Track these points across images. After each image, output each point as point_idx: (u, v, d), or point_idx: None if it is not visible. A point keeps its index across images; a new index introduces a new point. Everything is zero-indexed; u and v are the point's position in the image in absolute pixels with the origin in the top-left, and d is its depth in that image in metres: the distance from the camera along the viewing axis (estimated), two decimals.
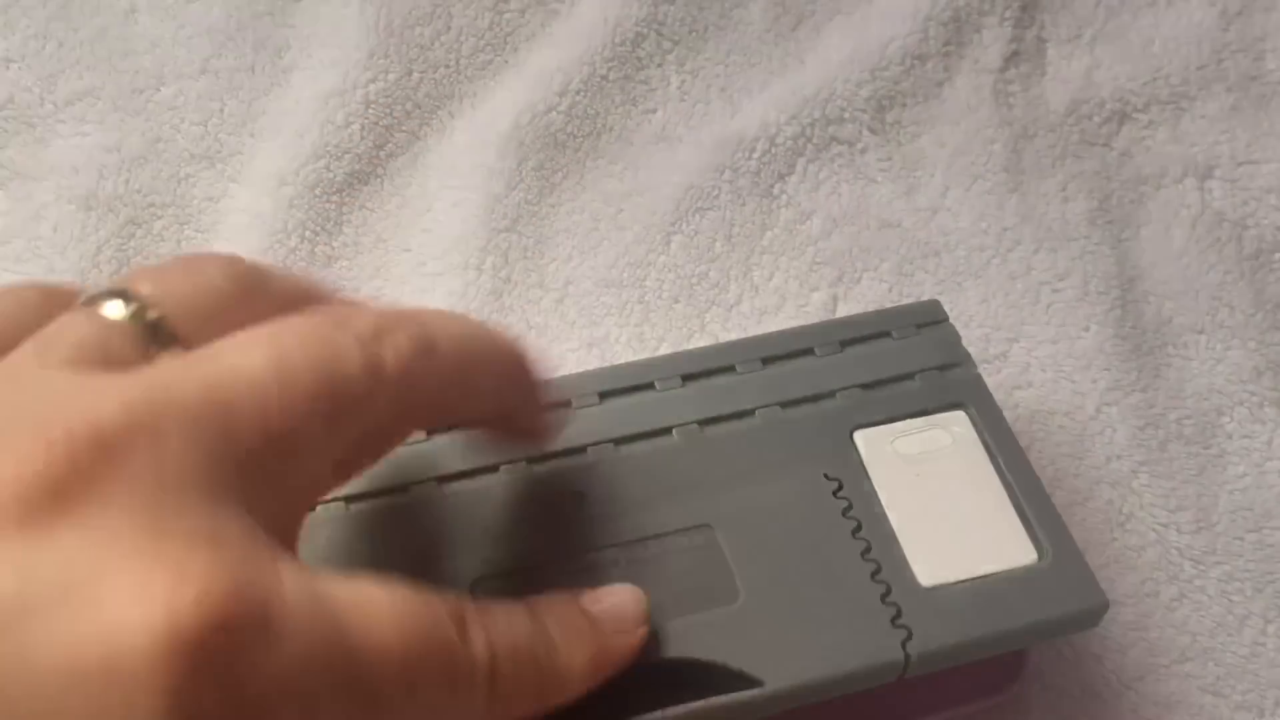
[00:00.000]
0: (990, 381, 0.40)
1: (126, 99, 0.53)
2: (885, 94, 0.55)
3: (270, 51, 0.55)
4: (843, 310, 0.50)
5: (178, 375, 0.22)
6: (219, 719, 0.20)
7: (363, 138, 0.53)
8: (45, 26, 0.55)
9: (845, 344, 0.40)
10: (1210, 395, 0.48)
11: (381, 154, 0.53)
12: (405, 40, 0.55)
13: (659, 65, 0.56)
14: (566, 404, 0.38)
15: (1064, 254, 0.51)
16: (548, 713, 0.29)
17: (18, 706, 0.19)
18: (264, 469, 0.23)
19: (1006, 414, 0.39)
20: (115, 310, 0.24)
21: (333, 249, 0.51)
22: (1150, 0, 0.57)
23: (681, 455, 0.37)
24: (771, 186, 0.52)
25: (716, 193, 0.52)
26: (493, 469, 0.36)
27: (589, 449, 0.37)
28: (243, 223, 0.51)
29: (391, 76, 0.54)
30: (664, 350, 0.48)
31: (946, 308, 0.42)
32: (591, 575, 0.34)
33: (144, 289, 0.25)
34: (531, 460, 0.37)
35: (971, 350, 0.40)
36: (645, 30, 0.56)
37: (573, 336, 0.49)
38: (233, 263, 0.27)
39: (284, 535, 0.24)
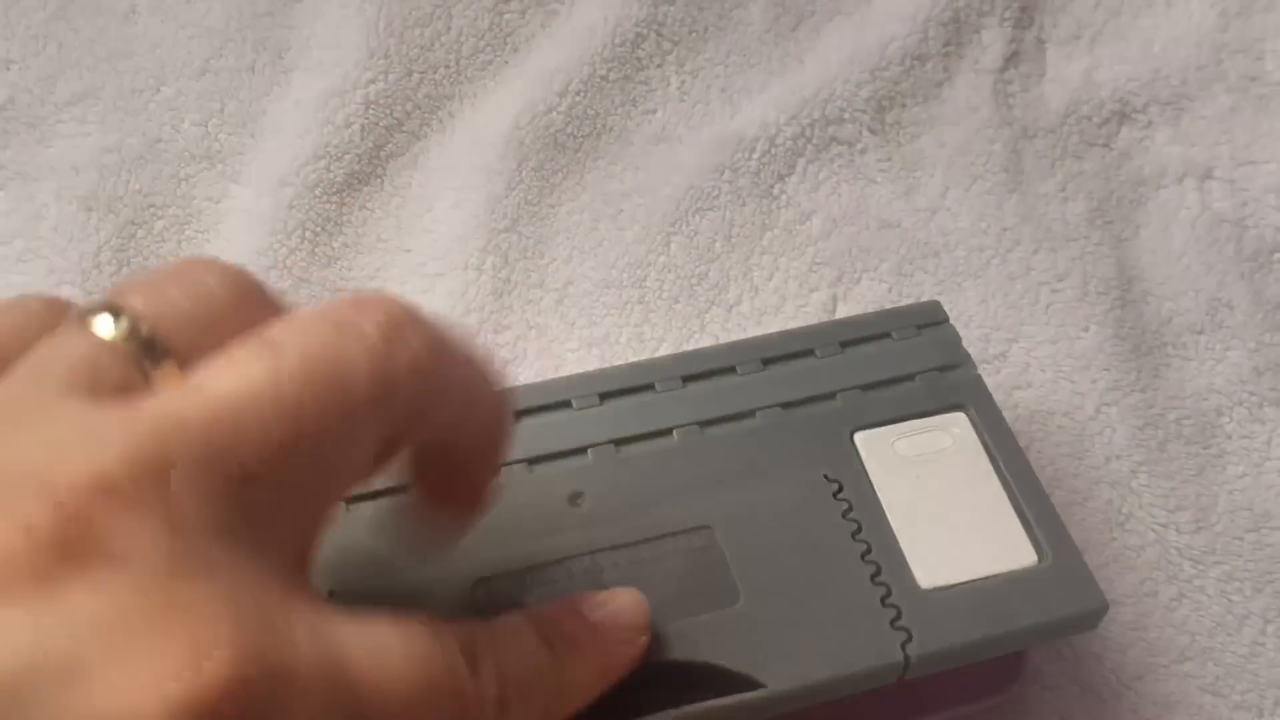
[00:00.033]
0: (990, 382, 0.40)
1: (127, 99, 0.54)
2: (885, 94, 0.55)
3: (270, 52, 0.55)
4: (842, 310, 0.50)
5: (177, 408, 0.21)
6: None
7: (363, 138, 0.53)
8: (45, 27, 0.55)
9: (845, 345, 0.40)
10: (1209, 395, 0.48)
11: (382, 154, 0.53)
12: (405, 41, 0.55)
13: (659, 66, 0.56)
14: (567, 404, 0.38)
15: (1063, 254, 0.51)
16: None
17: None
18: (275, 493, 0.22)
19: (1006, 414, 0.39)
20: (107, 327, 0.23)
21: (333, 249, 0.51)
22: (1150, 1, 0.57)
23: (682, 456, 0.37)
24: (771, 187, 0.53)
25: (716, 193, 0.52)
26: None
27: (589, 450, 0.37)
28: (243, 223, 0.51)
29: (392, 77, 0.54)
30: (664, 350, 0.48)
31: (946, 308, 0.42)
32: (592, 577, 0.34)
33: (135, 302, 0.24)
34: (532, 461, 0.37)
35: (971, 350, 0.41)
36: (645, 31, 0.56)
37: (573, 337, 0.49)
38: (225, 269, 0.26)
39: (299, 553, 0.23)
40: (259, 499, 0.22)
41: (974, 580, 0.34)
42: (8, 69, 0.54)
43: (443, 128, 0.54)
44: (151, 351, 0.23)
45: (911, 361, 0.40)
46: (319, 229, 0.51)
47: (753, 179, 0.52)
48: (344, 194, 0.52)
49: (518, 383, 0.46)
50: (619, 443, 0.37)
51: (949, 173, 0.53)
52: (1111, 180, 0.53)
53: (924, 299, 0.44)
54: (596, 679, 0.30)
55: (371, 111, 0.53)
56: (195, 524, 0.20)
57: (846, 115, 0.54)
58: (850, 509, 0.36)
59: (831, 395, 0.39)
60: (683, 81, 0.56)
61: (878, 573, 0.34)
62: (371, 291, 0.24)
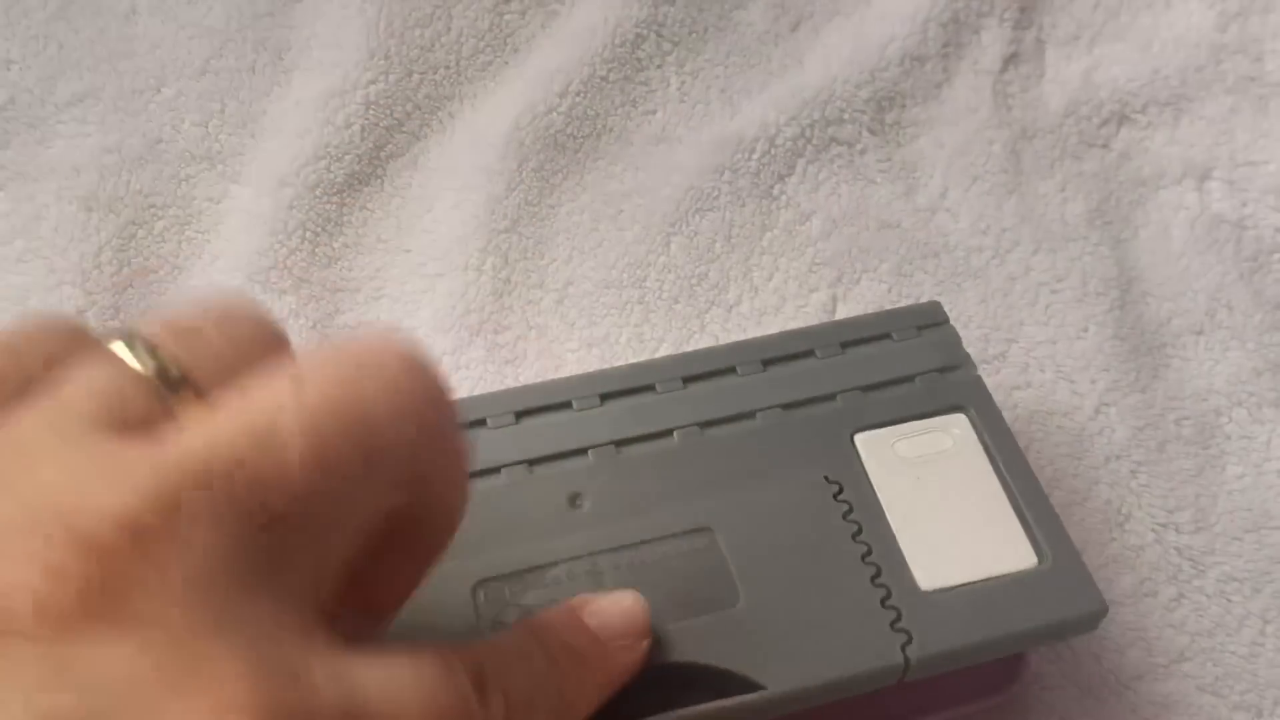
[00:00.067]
0: (989, 382, 0.40)
1: (127, 100, 0.54)
2: (884, 95, 0.55)
3: (271, 52, 0.55)
4: (842, 311, 0.50)
5: (203, 446, 0.21)
6: None
7: (363, 138, 0.53)
8: (46, 28, 0.55)
9: (846, 346, 0.40)
10: (1209, 396, 0.48)
11: (382, 155, 0.53)
12: (406, 41, 0.55)
13: (659, 66, 0.56)
14: (567, 405, 0.38)
15: (1063, 255, 0.51)
16: None
17: None
18: (295, 535, 0.22)
19: (1005, 414, 0.39)
20: (132, 358, 0.23)
21: (333, 250, 0.51)
22: (1149, 2, 0.57)
23: (682, 457, 0.37)
24: (771, 187, 0.53)
25: (716, 193, 0.52)
26: (494, 471, 0.36)
27: (590, 451, 0.37)
28: (243, 223, 0.51)
29: (392, 77, 0.54)
30: (664, 350, 0.48)
31: (946, 308, 0.42)
32: (592, 578, 0.34)
33: (160, 335, 0.24)
34: (532, 462, 0.37)
35: (970, 351, 0.41)
36: (645, 31, 0.56)
37: (573, 337, 0.49)
38: (248, 308, 0.25)
39: (315, 594, 0.23)
40: (279, 541, 0.21)
41: (974, 582, 0.34)
42: (8, 69, 0.54)
43: (443, 128, 0.54)
44: (176, 385, 0.23)
45: (912, 362, 0.40)
46: (319, 229, 0.51)
47: (752, 179, 0.53)
48: (344, 194, 0.52)
49: (518, 383, 0.47)
50: (619, 444, 0.37)
51: (948, 173, 0.53)
52: (1111, 181, 0.53)
53: (923, 299, 0.44)
54: (600, 688, 0.30)
55: (372, 112, 0.53)
56: (218, 569, 0.20)
57: (846, 116, 0.54)
58: (850, 510, 0.36)
59: (832, 396, 0.39)
60: (683, 82, 0.56)
61: (878, 574, 0.34)
62: (384, 335, 0.24)
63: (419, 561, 0.26)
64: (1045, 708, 0.41)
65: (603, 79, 0.55)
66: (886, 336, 0.40)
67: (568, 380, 0.39)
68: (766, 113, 0.54)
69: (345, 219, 0.51)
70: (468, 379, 0.47)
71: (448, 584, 0.34)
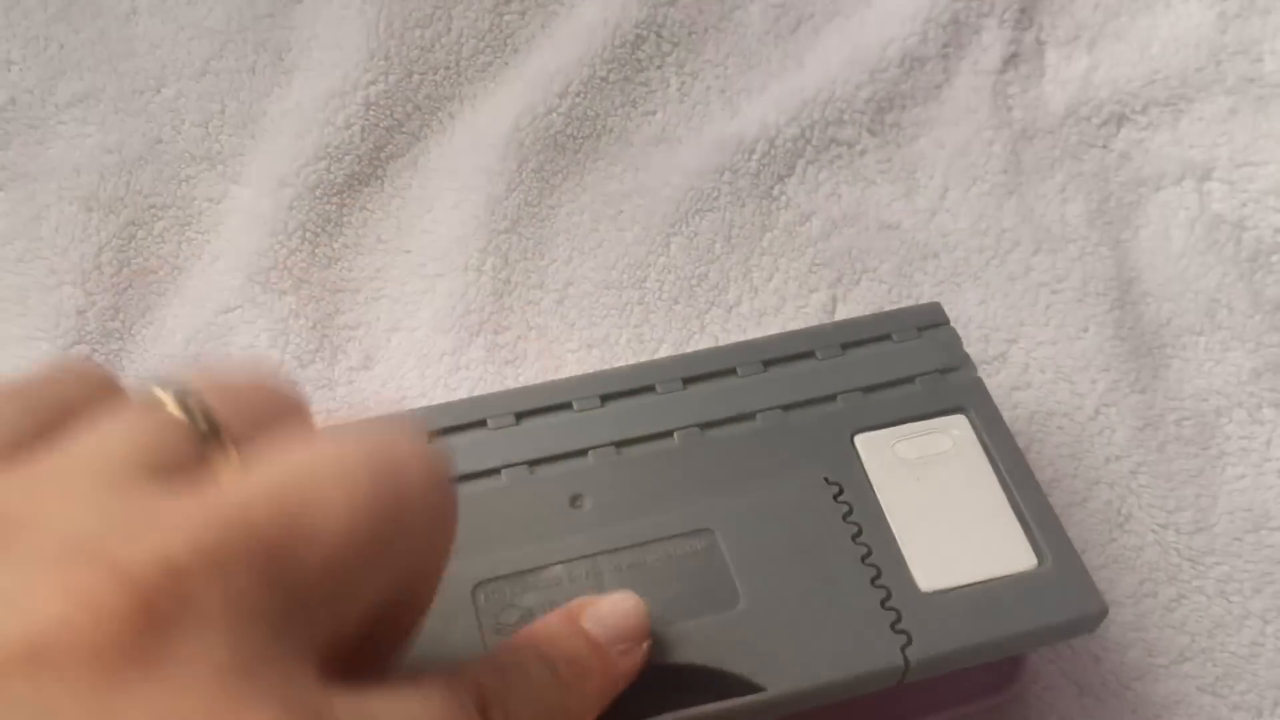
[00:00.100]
0: (989, 383, 0.40)
1: (127, 100, 0.54)
2: (884, 96, 0.55)
3: (271, 53, 0.55)
4: (842, 311, 0.50)
5: (244, 499, 0.21)
6: None
7: (363, 139, 0.53)
8: (46, 28, 0.55)
9: (846, 347, 0.40)
10: (1209, 396, 0.48)
11: (382, 155, 0.53)
12: (406, 42, 0.55)
13: (659, 67, 0.56)
14: (568, 406, 0.38)
15: (1063, 255, 0.51)
16: None
17: None
18: (324, 588, 0.22)
19: (1005, 415, 0.39)
20: (172, 406, 0.23)
21: (333, 250, 0.51)
22: (1149, 3, 0.57)
23: (682, 458, 0.37)
24: (771, 188, 0.53)
25: (716, 194, 0.52)
26: (494, 472, 0.36)
27: (590, 452, 0.37)
28: (243, 224, 0.51)
29: (392, 78, 0.54)
30: (664, 351, 0.49)
31: (945, 309, 0.42)
32: (593, 579, 0.34)
33: (199, 386, 0.24)
34: (533, 463, 0.37)
35: (970, 351, 0.41)
36: (645, 32, 0.56)
37: (573, 338, 0.49)
38: (277, 373, 0.26)
39: (333, 642, 0.23)
40: (306, 598, 0.22)
41: (974, 583, 0.34)
42: (9, 70, 0.54)
43: (443, 129, 0.54)
44: (210, 436, 0.23)
45: (912, 363, 0.40)
46: (319, 230, 0.51)
47: (752, 180, 0.53)
48: (344, 195, 0.52)
49: (518, 384, 0.47)
50: (620, 444, 0.37)
51: (948, 174, 0.53)
52: (1111, 181, 0.53)
53: (923, 300, 0.44)
54: (602, 694, 0.30)
55: (372, 113, 0.53)
56: (252, 615, 0.20)
57: (846, 116, 0.54)
58: (850, 511, 0.36)
59: (832, 397, 0.39)
60: (683, 83, 0.56)
61: (878, 575, 0.34)
62: (403, 425, 0.24)
63: (402, 629, 0.27)
64: (1045, 708, 0.41)
65: (603, 80, 0.55)
66: (887, 337, 0.40)
67: (568, 381, 0.39)
68: (766, 113, 0.54)
69: (345, 219, 0.51)
70: (468, 379, 0.47)
71: (448, 585, 0.34)
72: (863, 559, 0.35)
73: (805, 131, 0.53)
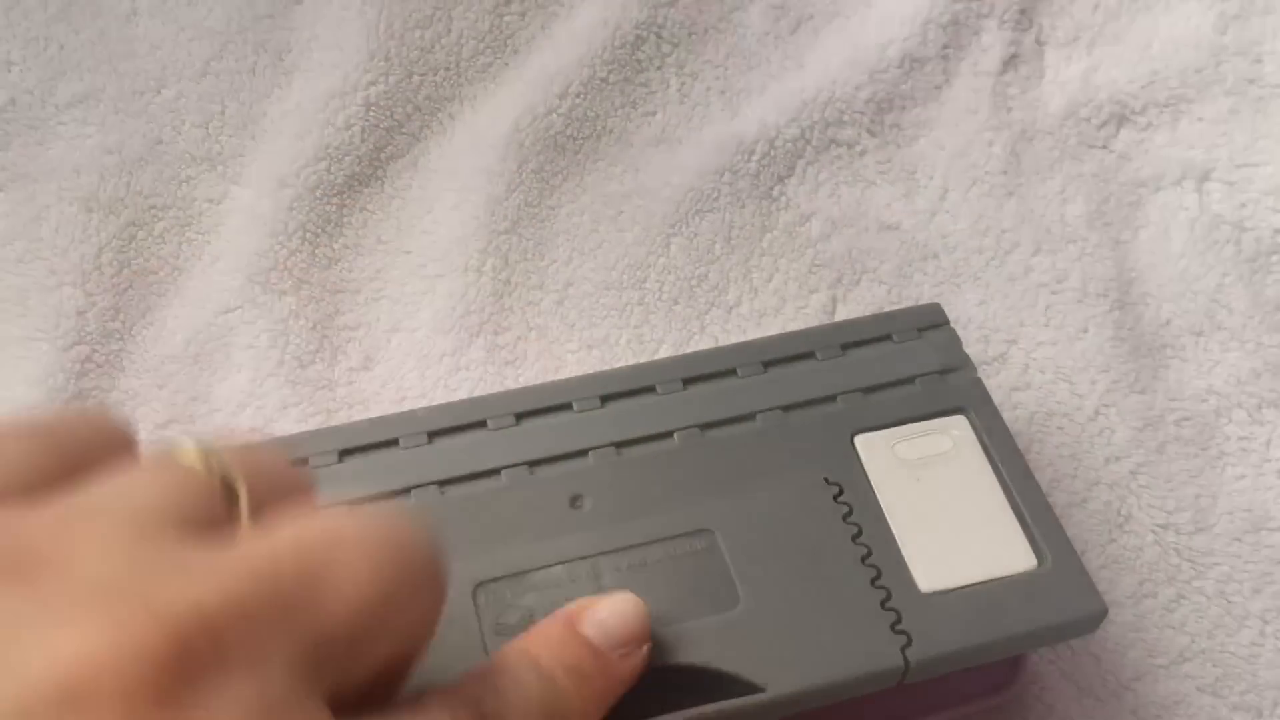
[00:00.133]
0: (989, 383, 0.40)
1: (127, 101, 0.54)
2: (884, 97, 0.55)
3: (271, 54, 0.55)
4: (842, 312, 0.50)
5: (271, 556, 0.22)
6: None
7: (363, 140, 0.53)
8: (46, 29, 0.55)
9: (846, 347, 0.40)
10: (1208, 397, 0.48)
11: (382, 156, 0.53)
12: (406, 43, 0.55)
13: (658, 68, 0.56)
14: (568, 406, 0.38)
15: (1062, 256, 0.51)
16: None
17: None
18: (345, 648, 0.23)
19: (1005, 415, 0.39)
20: (198, 462, 0.24)
21: (333, 251, 0.51)
22: (1148, 4, 0.57)
23: (682, 459, 0.37)
24: (771, 189, 0.53)
25: (716, 195, 0.52)
26: (494, 473, 0.36)
27: (590, 453, 0.37)
28: (243, 224, 0.51)
29: (392, 79, 0.54)
30: (664, 352, 0.49)
31: (945, 310, 0.42)
32: (593, 579, 0.34)
33: (222, 447, 0.25)
34: (533, 464, 0.37)
35: (970, 352, 0.41)
36: (645, 33, 0.56)
37: (573, 338, 0.49)
38: (285, 454, 0.27)
39: (342, 690, 0.24)
40: (329, 647, 0.22)
41: (974, 584, 0.34)
42: (9, 70, 0.54)
43: (443, 130, 0.54)
44: (236, 496, 0.24)
45: (912, 364, 0.40)
46: (319, 230, 0.51)
47: (752, 181, 0.53)
48: (344, 195, 0.52)
49: (518, 384, 0.47)
50: (620, 445, 0.37)
51: (948, 175, 0.53)
52: (1110, 182, 0.53)
53: (923, 301, 0.44)
54: (603, 699, 0.30)
55: (372, 113, 0.53)
56: (278, 666, 0.21)
57: (846, 117, 0.54)
58: (850, 512, 0.36)
59: (832, 398, 0.39)
60: (682, 84, 0.56)
61: (878, 576, 0.34)
62: (404, 518, 0.25)
63: (400, 674, 0.27)
64: (1045, 708, 0.41)
65: (603, 80, 0.55)
66: (887, 338, 0.40)
67: (568, 382, 0.39)
68: (766, 114, 0.54)
69: (345, 220, 0.51)
70: (468, 380, 0.47)
71: (449, 586, 0.34)
72: (863, 560, 0.35)
73: (805, 132, 0.54)
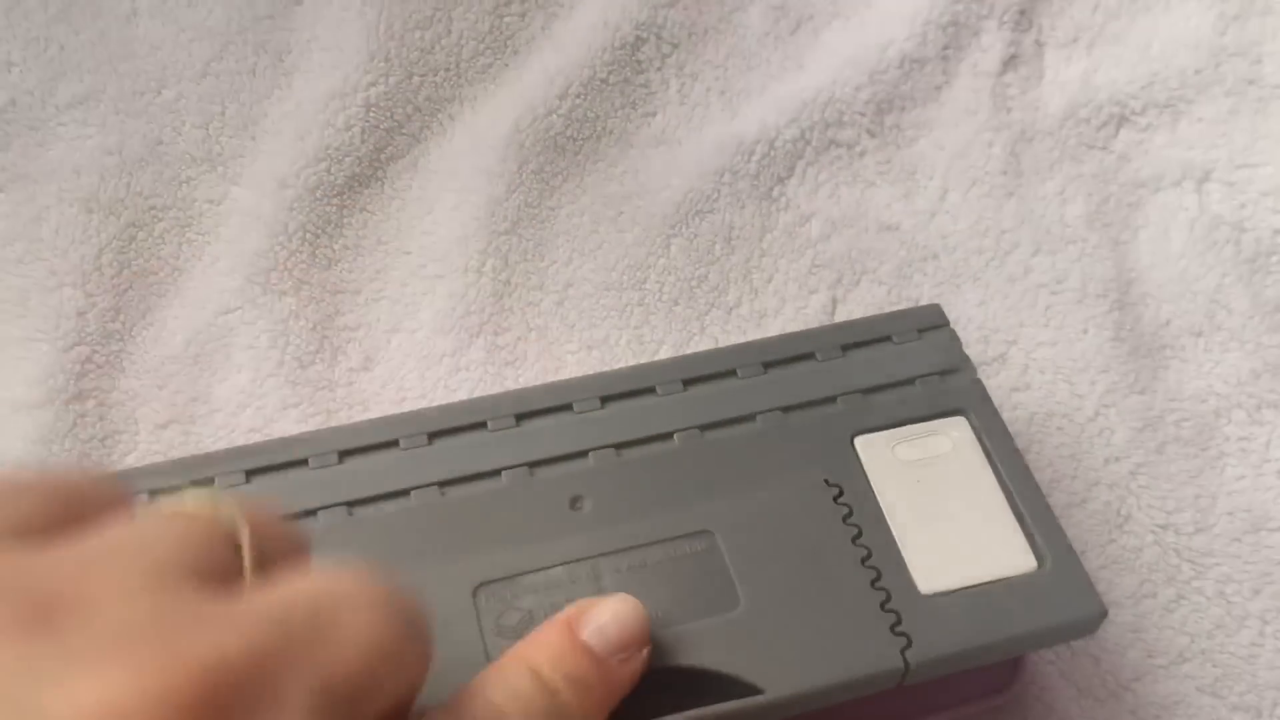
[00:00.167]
0: (989, 384, 0.40)
1: (128, 102, 0.54)
2: (884, 97, 0.55)
3: (271, 55, 0.55)
4: (841, 312, 0.50)
5: (283, 608, 0.23)
6: None
7: (363, 140, 0.53)
8: (47, 29, 0.55)
9: (846, 348, 0.40)
10: (1208, 397, 0.48)
11: (382, 157, 0.53)
12: (406, 44, 0.55)
13: (658, 69, 0.56)
14: (568, 408, 0.38)
15: (1062, 256, 0.51)
16: None
17: None
18: (351, 695, 0.23)
19: (1005, 416, 0.39)
20: (219, 516, 0.25)
21: (333, 251, 0.51)
22: (1148, 4, 0.57)
23: (682, 460, 0.37)
24: (771, 189, 0.53)
25: (716, 196, 0.52)
26: (494, 474, 0.36)
27: (590, 454, 0.37)
28: (244, 225, 0.51)
29: (392, 80, 0.54)
30: (664, 352, 0.49)
31: (945, 310, 0.42)
32: (593, 581, 0.34)
33: (230, 501, 0.25)
34: (533, 465, 0.37)
35: (970, 353, 0.41)
36: (645, 34, 0.56)
37: (573, 339, 0.49)
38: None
39: None
40: (337, 695, 0.23)
41: (973, 586, 0.34)
42: (9, 71, 0.54)
43: (443, 130, 0.54)
44: (241, 551, 0.24)
45: (912, 365, 0.40)
46: (319, 231, 0.51)
47: (752, 182, 0.53)
48: (344, 196, 0.52)
49: (518, 385, 0.47)
50: (620, 446, 0.37)
51: (948, 175, 0.53)
52: (1110, 183, 0.53)
53: (923, 301, 0.44)
54: (603, 705, 0.30)
55: (372, 114, 0.53)
56: (296, 715, 0.21)
57: (846, 118, 0.54)
58: (850, 513, 0.36)
59: (832, 399, 0.39)
60: (682, 84, 0.56)
61: (878, 578, 0.34)
62: (391, 586, 0.26)
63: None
64: (1044, 709, 0.41)
65: (602, 81, 0.55)
66: (887, 339, 0.40)
67: (568, 383, 0.39)
68: (766, 115, 0.54)
69: (345, 221, 0.51)
70: (468, 381, 0.47)
71: (448, 586, 0.34)
72: (863, 561, 0.35)
73: (805, 133, 0.54)
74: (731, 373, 0.39)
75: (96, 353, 0.47)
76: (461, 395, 0.47)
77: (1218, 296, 0.50)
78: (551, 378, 0.47)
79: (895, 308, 0.49)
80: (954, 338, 0.41)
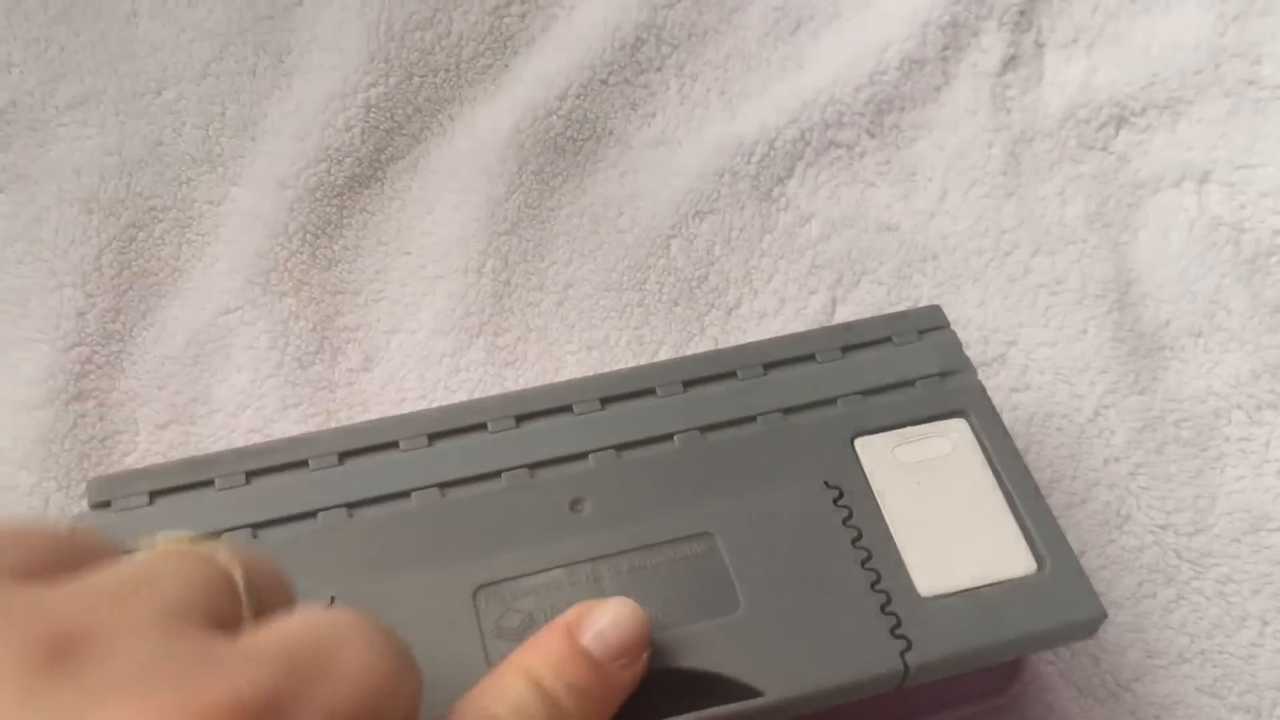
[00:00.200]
0: (988, 384, 0.40)
1: (128, 102, 0.54)
2: (884, 98, 0.55)
3: (271, 55, 0.55)
4: (841, 313, 0.50)
5: (287, 648, 0.23)
6: None
7: (363, 141, 0.53)
8: (47, 30, 0.55)
9: (846, 350, 0.40)
10: (1208, 398, 0.48)
11: (382, 157, 0.53)
12: (406, 44, 0.55)
13: (658, 69, 0.56)
14: (568, 409, 0.38)
15: (1062, 257, 0.51)
16: None
17: None
18: None
19: (1005, 416, 0.39)
20: (228, 564, 0.25)
21: (333, 252, 0.51)
22: (1147, 5, 0.57)
23: (683, 462, 0.37)
24: (770, 190, 0.53)
25: (716, 196, 0.52)
26: (495, 475, 0.36)
27: (590, 455, 0.37)
28: (244, 226, 0.51)
29: (392, 80, 0.54)
30: (664, 353, 0.49)
31: (945, 311, 0.42)
32: (593, 583, 0.34)
33: (231, 548, 0.26)
34: (533, 467, 0.37)
35: (970, 353, 0.41)
36: (645, 35, 0.56)
37: (573, 339, 0.49)
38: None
39: None
40: None
41: (973, 588, 0.34)
42: (9, 72, 0.54)
43: (443, 131, 0.54)
44: (247, 592, 0.25)
45: (912, 367, 0.40)
46: (319, 232, 0.51)
47: (752, 182, 0.53)
48: (344, 197, 0.52)
49: (518, 386, 0.47)
50: (620, 448, 0.37)
51: (947, 176, 0.53)
52: (1109, 183, 0.53)
53: (922, 302, 0.44)
54: (604, 710, 0.30)
55: (372, 115, 0.53)
56: None
57: (845, 119, 0.54)
58: (850, 515, 0.36)
59: (832, 401, 0.39)
60: (682, 85, 0.56)
61: (877, 580, 0.34)
62: (380, 624, 0.26)
63: None
64: (1044, 709, 0.41)
65: (602, 82, 0.55)
66: (887, 340, 0.40)
67: (568, 384, 0.39)
68: (766, 116, 0.54)
69: (345, 221, 0.51)
70: (467, 381, 0.48)
71: (448, 588, 0.34)
72: (862, 563, 0.35)
73: (805, 134, 0.54)
74: (732, 374, 0.39)
75: (96, 353, 0.47)
76: (461, 396, 0.47)
77: (1217, 297, 0.50)
78: (551, 378, 0.47)
79: (895, 308, 0.49)
80: (954, 339, 0.41)
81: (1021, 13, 0.57)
